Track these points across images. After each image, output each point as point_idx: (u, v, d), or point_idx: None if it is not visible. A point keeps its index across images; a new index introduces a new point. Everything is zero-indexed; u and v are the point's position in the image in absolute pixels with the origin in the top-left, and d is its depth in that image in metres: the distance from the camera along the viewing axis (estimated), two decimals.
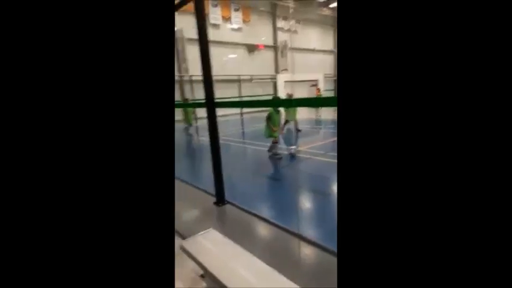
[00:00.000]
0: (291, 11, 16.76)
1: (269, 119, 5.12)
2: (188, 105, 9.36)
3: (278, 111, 5.29)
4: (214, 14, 14.27)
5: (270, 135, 5.23)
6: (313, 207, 3.19)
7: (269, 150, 5.39)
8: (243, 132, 9.55)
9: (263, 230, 2.35)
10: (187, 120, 8.89)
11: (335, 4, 18.04)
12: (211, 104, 2.61)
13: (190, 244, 1.44)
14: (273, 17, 17.13)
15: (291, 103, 4.70)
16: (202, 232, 1.54)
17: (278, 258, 1.84)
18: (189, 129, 8.76)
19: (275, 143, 5.30)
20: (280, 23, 17.34)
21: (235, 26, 15.27)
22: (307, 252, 1.92)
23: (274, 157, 5.26)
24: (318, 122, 11.03)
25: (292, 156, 5.35)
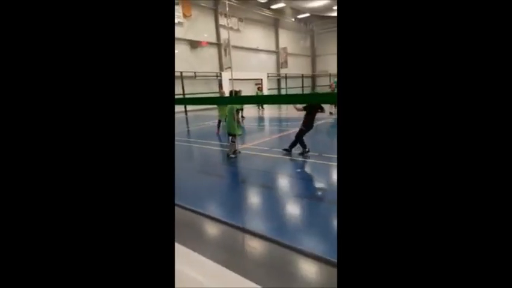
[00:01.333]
0: (227, 9, 16.74)
1: (232, 113, 5.08)
2: None
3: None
4: None
5: (233, 131, 5.09)
6: (267, 203, 3.31)
7: (234, 152, 5.16)
8: (189, 131, 9.27)
9: (210, 228, 2.36)
10: None
11: (276, 6, 18.71)
12: None
13: None
14: (215, 14, 16.92)
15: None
16: None
17: (228, 255, 1.88)
18: None
19: (234, 142, 5.17)
20: (222, 21, 17.21)
21: (176, 20, 14.62)
22: (255, 246, 2.01)
23: (233, 156, 5.13)
24: (261, 120, 11.37)
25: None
